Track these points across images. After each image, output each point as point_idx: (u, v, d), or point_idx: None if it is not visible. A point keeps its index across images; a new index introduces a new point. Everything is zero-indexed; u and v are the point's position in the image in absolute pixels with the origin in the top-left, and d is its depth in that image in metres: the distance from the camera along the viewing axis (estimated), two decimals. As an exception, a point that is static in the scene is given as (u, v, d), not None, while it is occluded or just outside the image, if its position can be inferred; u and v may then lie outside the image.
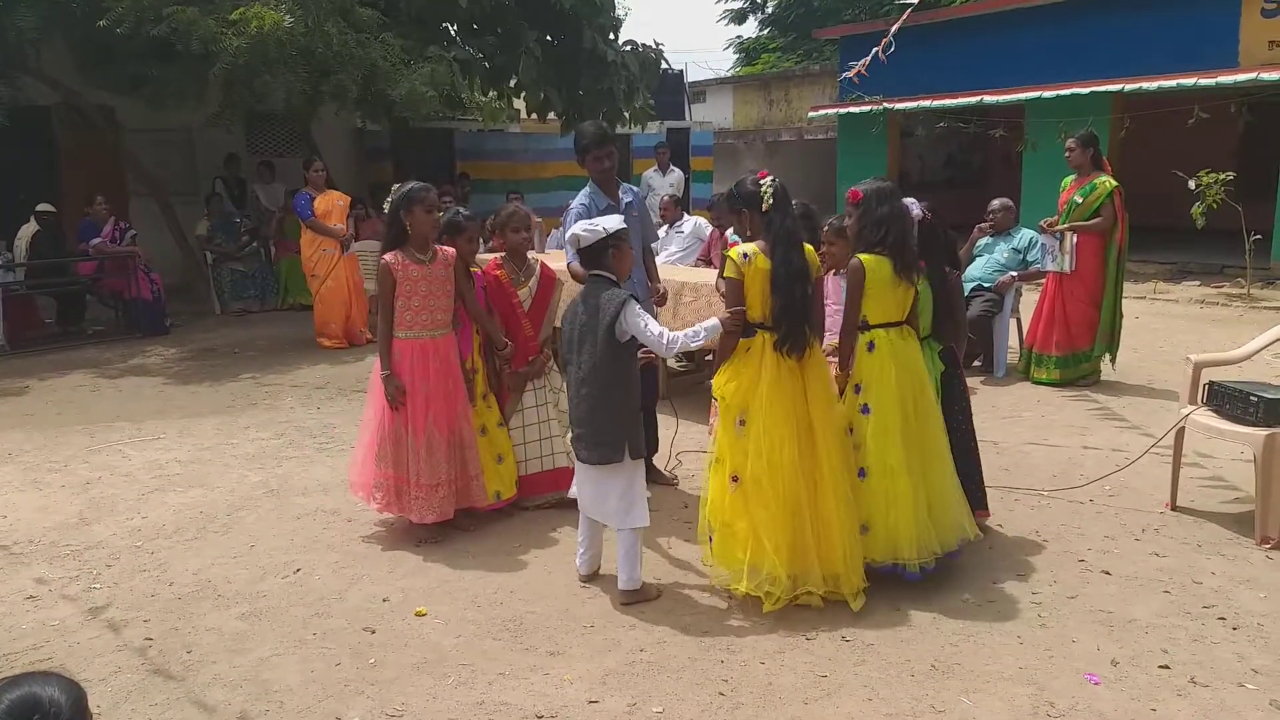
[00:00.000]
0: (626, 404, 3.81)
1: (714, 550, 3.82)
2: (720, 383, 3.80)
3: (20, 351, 9.22)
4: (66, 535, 4.65)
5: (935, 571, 3.84)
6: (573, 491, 4.09)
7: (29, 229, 9.94)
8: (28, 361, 8.83)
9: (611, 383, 3.76)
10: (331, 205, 9.35)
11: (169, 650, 3.52)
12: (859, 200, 3.92)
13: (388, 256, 4.37)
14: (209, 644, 3.56)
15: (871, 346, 3.86)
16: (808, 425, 3.72)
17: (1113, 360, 7.18)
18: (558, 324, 5.37)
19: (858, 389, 3.87)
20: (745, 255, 3.72)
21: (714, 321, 3.77)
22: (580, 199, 4.78)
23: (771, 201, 3.72)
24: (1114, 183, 6.94)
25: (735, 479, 3.72)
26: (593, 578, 4.01)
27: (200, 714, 3.12)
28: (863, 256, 3.86)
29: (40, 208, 10.04)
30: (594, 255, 3.83)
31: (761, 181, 3.75)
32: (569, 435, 3.94)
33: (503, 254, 4.94)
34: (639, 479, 3.86)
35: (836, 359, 3.98)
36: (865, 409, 3.83)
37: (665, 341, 3.73)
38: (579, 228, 3.85)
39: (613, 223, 3.86)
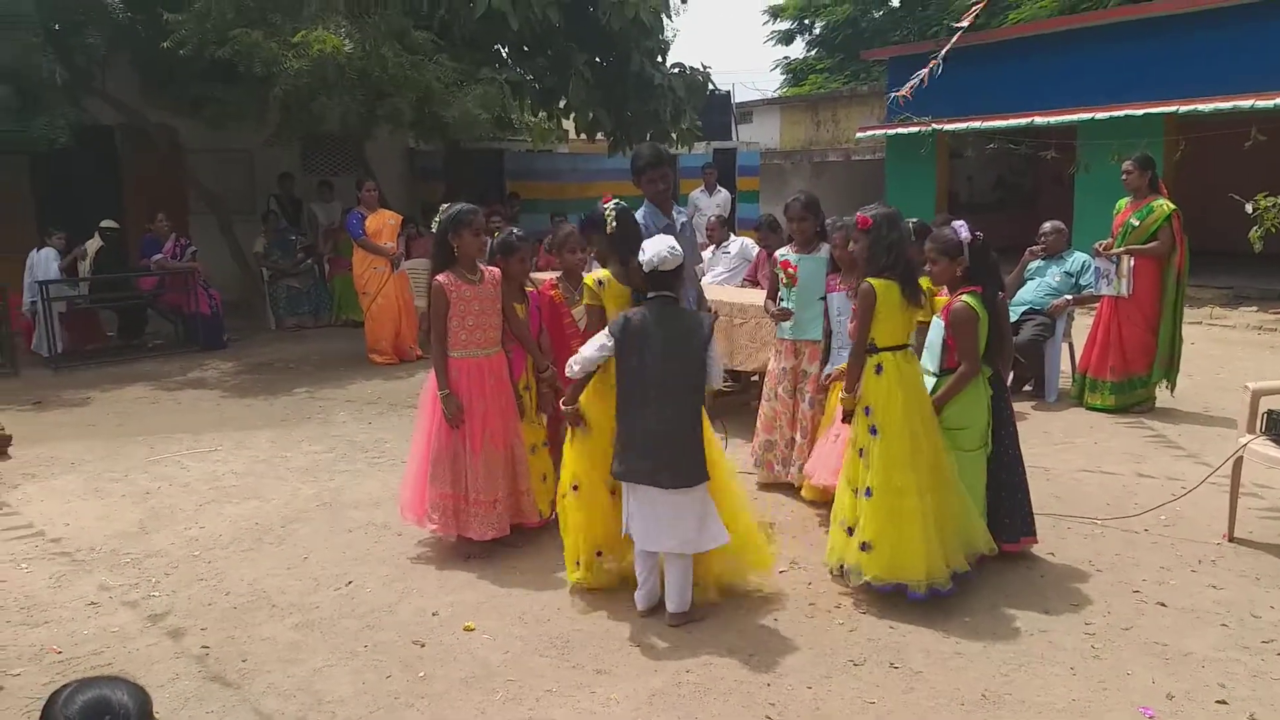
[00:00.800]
0: (702, 423, 3.80)
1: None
2: (586, 404, 3.93)
3: (83, 364, 9.49)
4: (127, 544, 4.77)
5: (949, 594, 3.83)
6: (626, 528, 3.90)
7: (93, 244, 10.25)
8: (90, 373, 9.09)
9: (697, 403, 3.75)
10: (383, 224, 9.53)
11: (225, 658, 3.60)
12: (869, 227, 4.00)
13: (440, 277, 4.43)
14: (264, 653, 3.64)
15: (880, 369, 3.94)
16: None
17: (1171, 387, 7.04)
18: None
19: (867, 411, 3.94)
20: (600, 282, 3.89)
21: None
22: (639, 218, 4.81)
23: (615, 225, 3.79)
24: (1172, 206, 6.83)
25: (576, 487, 3.96)
26: (652, 611, 3.88)
27: (256, 722, 3.19)
28: (872, 280, 3.94)
29: (104, 224, 10.32)
30: (668, 277, 3.78)
31: (604, 206, 3.87)
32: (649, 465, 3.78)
33: (558, 274, 5.01)
34: (709, 497, 3.82)
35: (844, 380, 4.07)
36: (874, 430, 3.91)
37: (720, 372, 3.77)
38: (660, 249, 3.71)
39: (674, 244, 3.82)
